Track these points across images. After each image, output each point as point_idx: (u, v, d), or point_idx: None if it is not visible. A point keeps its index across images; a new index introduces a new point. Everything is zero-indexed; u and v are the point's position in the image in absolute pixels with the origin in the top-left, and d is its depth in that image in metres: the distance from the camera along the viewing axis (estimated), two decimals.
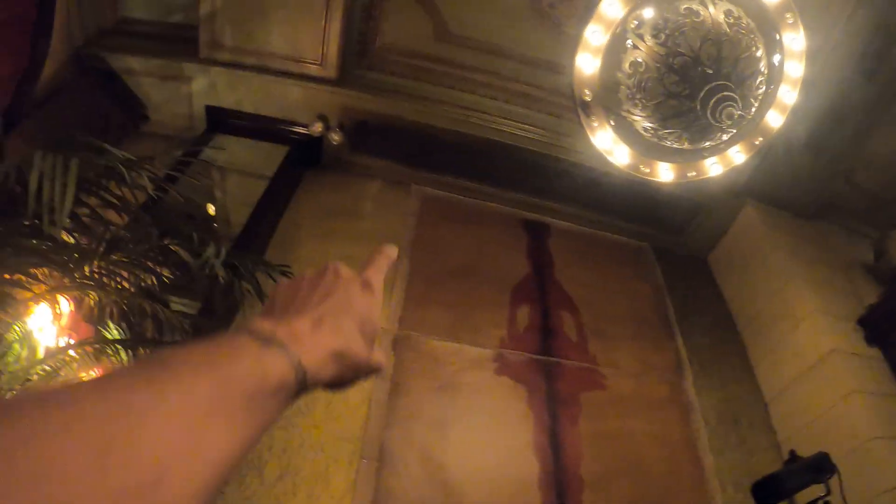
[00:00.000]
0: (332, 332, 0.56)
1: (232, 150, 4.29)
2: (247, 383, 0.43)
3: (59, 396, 0.34)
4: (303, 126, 4.25)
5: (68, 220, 1.91)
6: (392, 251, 0.73)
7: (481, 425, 3.16)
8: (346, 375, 0.57)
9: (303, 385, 0.49)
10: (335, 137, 4.22)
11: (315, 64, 3.99)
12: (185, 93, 4.18)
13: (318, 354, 0.52)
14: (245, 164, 4.50)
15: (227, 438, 0.40)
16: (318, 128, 4.19)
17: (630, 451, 3.29)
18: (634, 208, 4.65)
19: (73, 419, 0.32)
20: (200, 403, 0.39)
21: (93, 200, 2.16)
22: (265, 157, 4.22)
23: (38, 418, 0.32)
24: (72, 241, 2.20)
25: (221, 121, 4.25)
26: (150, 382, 0.38)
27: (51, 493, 0.29)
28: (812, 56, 2.63)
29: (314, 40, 3.90)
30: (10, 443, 0.30)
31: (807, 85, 2.49)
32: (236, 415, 0.41)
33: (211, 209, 4.54)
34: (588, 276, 4.31)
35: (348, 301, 0.61)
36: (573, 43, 2.35)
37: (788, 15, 2.31)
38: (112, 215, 2.32)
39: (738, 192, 4.49)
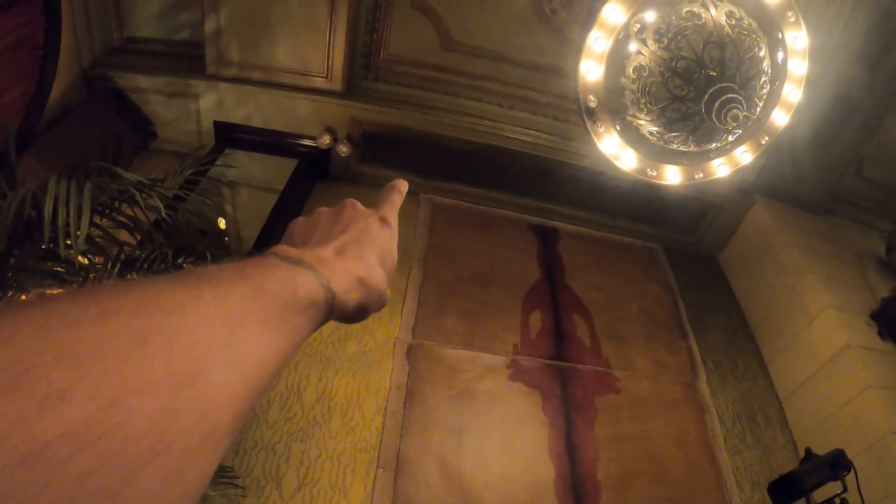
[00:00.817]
0: (355, 260, 0.56)
1: (242, 165, 4.32)
2: (279, 295, 0.42)
3: (93, 292, 0.32)
4: (311, 139, 4.28)
5: (84, 245, 1.94)
6: (403, 186, 0.74)
7: (497, 432, 3.17)
8: (368, 304, 0.56)
9: (331, 307, 0.49)
10: (343, 149, 4.25)
11: (321, 77, 4.02)
12: (193, 109, 4.22)
13: (345, 278, 0.52)
14: (255, 179, 4.53)
15: (261, 343, 0.39)
16: (326, 140, 4.22)
17: (646, 453, 3.29)
18: (643, 210, 4.65)
19: (110, 309, 0.31)
20: (235, 307, 0.38)
21: (105, 222, 2.19)
22: (275, 171, 4.25)
23: (74, 306, 0.30)
24: (87, 262, 2.23)
25: (230, 136, 4.28)
26: (186, 285, 0.37)
27: (90, 375, 0.27)
28: (815, 53, 2.64)
29: (320, 54, 3.93)
30: (46, 322, 0.28)
31: (811, 82, 2.50)
32: (270, 323, 0.40)
33: (222, 224, 4.57)
34: (599, 279, 4.31)
35: (368, 233, 0.61)
36: (577, 48, 2.36)
37: (790, 13, 2.32)
38: (125, 235, 2.35)
39: (746, 190, 4.49)
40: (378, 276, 0.58)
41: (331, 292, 0.49)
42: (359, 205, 0.65)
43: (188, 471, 0.31)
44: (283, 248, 0.50)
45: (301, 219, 0.64)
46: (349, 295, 0.52)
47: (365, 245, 0.59)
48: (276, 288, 0.43)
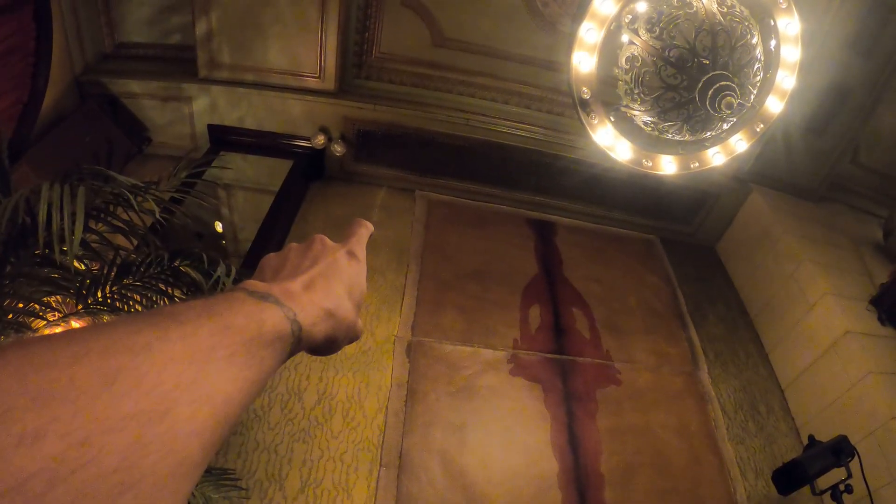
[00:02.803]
0: (323, 293, 0.57)
1: (237, 167, 4.32)
2: (245, 330, 0.44)
3: (65, 335, 0.34)
4: (305, 139, 4.27)
5: (80, 250, 1.93)
6: (369, 224, 0.75)
7: (499, 427, 3.16)
8: (336, 336, 0.58)
9: (298, 339, 0.50)
10: (338, 149, 4.24)
11: (314, 77, 4.02)
12: (186, 113, 4.22)
13: (312, 311, 0.53)
14: (250, 180, 4.53)
15: (228, 378, 0.40)
16: (320, 140, 4.21)
17: (649, 444, 3.29)
18: (640, 202, 4.65)
19: (81, 352, 0.33)
20: (201, 344, 0.39)
21: (101, 227, 2.18)
22: (270, 172, 4.24)
23: (47, 350, 0.32)
24: (83, 267, 2.22)
25: (224, 139, 4.27)
26: (153, 325, 0.38)
27: (62, 416, 0.29)
28: (808, 39, 2.63)
29: (311, 54, 3.93)
30: (20, 367, 0.30)
31: (805, 68, 2.49)
32: (236, 358, 0.41)
33: (219, 227, 4.56)
34: (597, 272, 4.31)
35: (336, 267, 0.62)
36: (569, 40, 2.35)
37: (782, 0, 2.31)
38: (121, 240, 2.34)
39: (743, 179, 4.49)
40: (346, 308, 0.60)
41: (297, 325, 0.50)
42: (327, 240, 0.67)
43: (159, 502, 0.32)
44: (251, 283, 0.52)
45: (272, 254, 0.65)
46: (316, 326, 0.53)
47: (333, 278, 0.61)
48: (242, 323, 0.44)
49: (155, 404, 0.33)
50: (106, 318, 2.25)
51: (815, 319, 3.78)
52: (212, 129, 4.26)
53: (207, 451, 0.37)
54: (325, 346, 0.57)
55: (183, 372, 0.36)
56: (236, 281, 2.27)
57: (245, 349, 0.43)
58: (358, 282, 0.65)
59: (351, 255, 0.66)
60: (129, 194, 2.02)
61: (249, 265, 3.51)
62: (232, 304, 0.46)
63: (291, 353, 0.50)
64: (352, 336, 0.62)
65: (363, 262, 0.68)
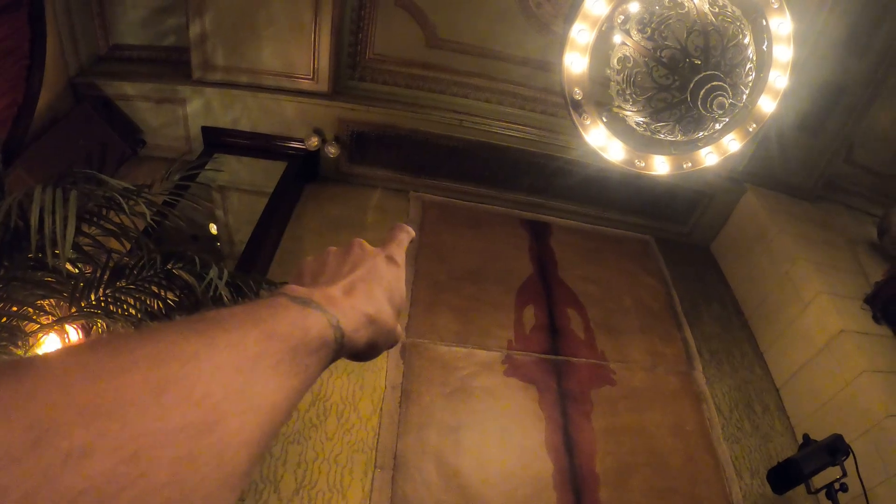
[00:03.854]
0: (364, 298, 0.57)
1: (231, 169, 4.31)
2: (290, 338, 0.43)
3: (111, 342, 0.34)
4: (299, 141, 4.27)
5: (72, 253, 1.93)
6: (410, 230, 0.75)
7: (494, 428, 3.17)
8: (377, 341, 0.58)
9: (341, 346, 0.50)
10: (332, 150, 4.24)
11: (307, 79, 4.02)
12: (180, 115, 4.21)
13: (354, 317, 0.53)
14: (245, 182, 4.52)
15: (274, 387, 0.40)
16: (314, 142, 4.21)
17: (644, 444, 3.29)
18: (634, 202, 4.65)
19: (127, 363, 0.32)
20: (248, 352, 0.39)
21: (93, 230, 2.18)
22: (264, 174, 4.24)
23: (93, 360, 0.31)
24: (76, 271, 2.22)
25: (218, 140, 4.27)
26: (199, 332, 0.38)
27: (110, 430, 0.28)
28: (801, 39, 2.64)
29: (305, 55, 3.93)
30: (66, 378, 0.29)
31: (798, 68, 2.50)
32: (281, 366, 0.41)
33: (213, 229, 4.56)
34: (592, 272, 4.31)
35: (376, 271, 0.62)
36: (561, 42, 2.36)
37: (773, 0, 2.32)
38: (114, 243, 2.34)
39: (737, 178, 4.50)
40: (387, 314, 0.59)
41: (340, 331, 0.50)
42: (366, 244, 0.67)
43: None
44: (292, 288, 0.51)
45: (310, 258, 0.65)
46: (358, 332, 0.53)
47: (373, 283, 0.60)
48: (287, 331, 0.44)
49: (204, 416, 0.33)
50: (100, 322, 2.25)
51: (810, 318, 3.79)
52: (206, 130, 4.25)
53: (255, 461, 0.36)
54: (366, 352, 0.57)
55: (231, 381, 0.36)
56: (229, 284, 2.27)
57: (291, 357, 0.42)
58: (398, 287, 0.65)
59: (391, 259, 0.67)
60: (120, 198, 2.02)
61: (244, 267, 3.50)
62: (276, 310, 0.46)
63: (333, 360, 0.50)
64: (391, 341, 0.61)
65: (402, 267, 0.68)
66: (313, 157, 4.34)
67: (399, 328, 0.63)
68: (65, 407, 0.28)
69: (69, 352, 0.32)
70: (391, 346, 0.63)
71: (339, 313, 0.51)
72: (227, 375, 0.36)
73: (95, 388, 0.29)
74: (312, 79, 4.02)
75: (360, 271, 0.60)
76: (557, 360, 3.59)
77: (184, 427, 0.31)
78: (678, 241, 4.92)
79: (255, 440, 0.36)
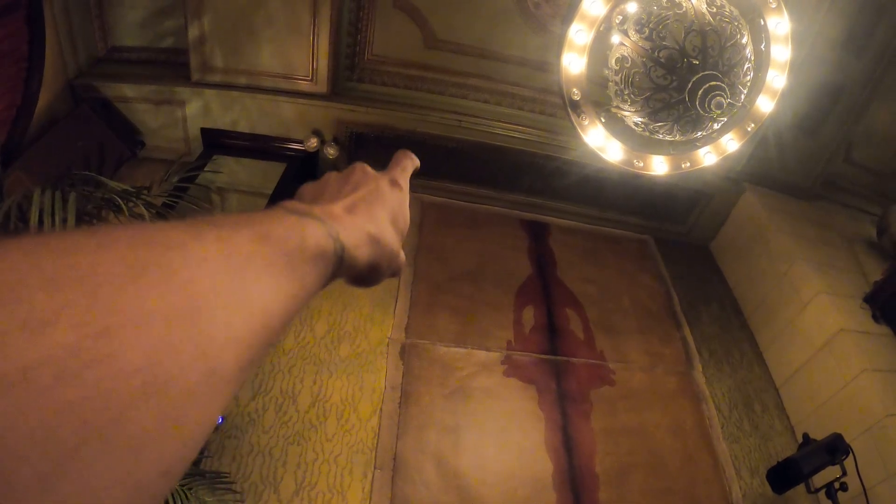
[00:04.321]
0: (366, 217, 0.55)
1: (230, 170, 4.31)
2: (286, 241, 0.41)
3: (91, 228, 0.31)
4: (298, 142, 4.27)
5: None
6: (415, 157, 0.73)
7: (493, 428, 3.17)
8: (379, 263, 0.55)
9: (341, 260, 0.47)
10: (331, 151, 4.24)
11: (306, 80, 4.02)
12: (179, 117, 4.21)
13: (355, 233, 0.51)
14: (244, 184, 4.52)
15: (266, 288, 0.36)
16: (313, 143, 4.22)
17: (643, 444, 3.30)
18: (633, 202, 4.66)
19: (106, 241, 0.29)
20: (240, 249, 0.36)
21: None
22: (263, 176, 4.24)
23: (68, 237, 0.28)
24: None
25: (217, 142, 4.27)
26: (188, 225, 0.35)
27: (78, 302, 0.25)
28: (799, 38, 2.64)
29: (304, 57, 3.93)
30: (36, 249, 0.26)
31: (796, 67, 2.50)
32: (275, 268, 0.38)
33: None
34: (591, 272, 4.31)
35: (379, 193, 0.60)
36: (559, 42, 2.36)
37: (771, 0, 2.32)
38: None
39: (735, 178, 4.50)
40: (390, 235, 0.57)
41: (340, 244, 0.47)
42: (368, 167, 0.64)
43: (186, 415, 0.29)
44: (291, 203, 0.49)
45: (309, 183, 0.62)
46: (359, 250, 0.51)
47: (375, 204, 0.58)
48: (282, 234, 0.41)
49: (186, 302, 0.29)
50: None
51: (809, 318, 3.79)
52: (205, 132, 4.26)
53: (243, 365, 0.33)
54: (367, 274, 0.54)
55: (218, 273, 0.33)
56: None
57: (286, 260, 0.40)
58: (402, 210, 0.62)
59: (394, 182, 0.64)
60: (119, 200, 2.02)
61: None
62: (272, 216, 0.43)
63: (333, 276, 0.48)
64: (394, 267, 0.59)
65: (406, 191, 0.66)
66: (312, 158, 4.35)
67: (402, 254, 0.60)
68: (29, 273, 0.25)
69: (44, 233, 0.29)
70: (394, 273, 0.60)
71: (340, 227, 0.48)
72: (214, 267, 0.33)
73: (66, 261, 0.26)
74: (311, 80, 4.03)
75: (362, 192, 0.58)
76: (557, 360, 3.59)
77: (163, 311, 0.28)
78: (677, 241, 4.92)
79: (244, 340, 0.33)
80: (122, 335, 0.26)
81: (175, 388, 0.27)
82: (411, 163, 0.71)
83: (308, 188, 0.60)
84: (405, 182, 0.66)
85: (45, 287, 0.25)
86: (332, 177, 0.62)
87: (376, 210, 0.57)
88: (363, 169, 0.63)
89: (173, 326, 0.28)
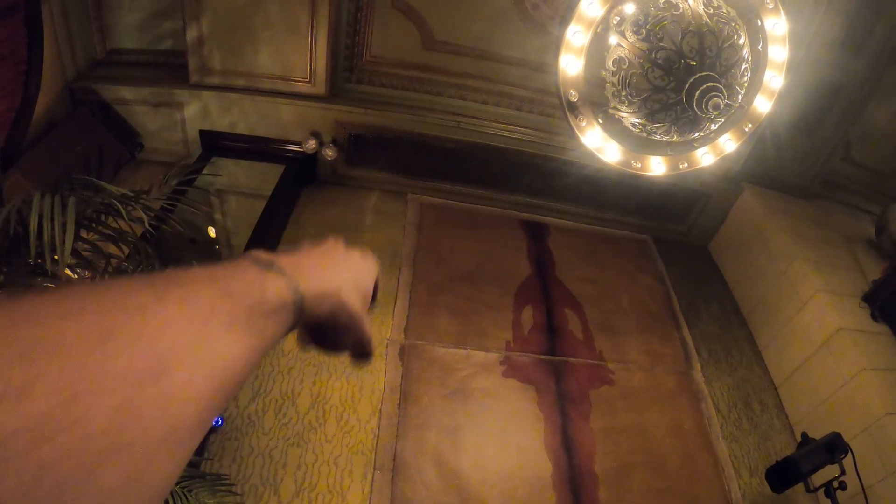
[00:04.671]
0: (329, 274, 0.56)
1: (229, 172, 4.32)
2: (247, 297, 0.43)
3: (60, 291, 0.33)
4: (297, 144, 4.28)
5: (71, 259, 1.94)
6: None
7: (493, 429, 3.17)
8: (338, 319, 0.56)
9: (300, 310, 0.49)
10: (329, 153, 4.25)
11: (304, 81, 4.02)
12: (178, 119, 4.21)
13: (316, 284, 0.52)
14: (243, 186, 4.53)
15: (227, 344, 0.39)
16: (311, 144, 4.22)
17: (643, 444, 3.30)
18: (632, 202, 4.66)
19: (74, 309, 0.31)
20: (201, 307, 0.38)
21: (92, 236, 2.19)
22: (262, 177, 4.25)
23: (39, 305, 0.31)
24: (75, 276, 2.22)
25: (216, 144, 4.28)
26: (151, 286, 0.37)
27: (49, 372, 0.27)
28: (797, 38, 2.64)
29: (302, 58, 3.93)
30: (10, 320, 0.29)
31: (794, 67, 2.50)
32: (236, 324, 0.40)
33: (212, 232, 4.57)
34: (590, 272, 4.32)
35: (347, 256, 0.63)
36: (557, 44, 2.36)
37: (769, 0, 2.32)
38: (112, 248, 2.35)
39: (734, 177, 4.51)
40: (352, 298, 0.58)
41: (300, 294, 0.49)
42: (342, 240, 0.67)
43: (150, 469, 0.31)
44: (256, 253, 0.50)
45: (285, 248, 0.64)
46: (319, 300, 0.52)
47: (342, 265, 0.60)
48: (243, 290, 0.43)
49: (149, 365, 0.32)
50: None
51: (808, 317, 3.80)
52: (203, 134, 4.26)
53: (204, 418, 0.36)
54: (330, 330, 0.57)
55: (180, 334, 0.35)
56: None
57: (246, 316, 0.42)
58: (366, 277, 0.65)
59: (365, 253, 0.68)
60: (119, 204, 2.03)
61: None
62: (235, 270, 0.45)
63: (294, 325, 0.50)
64: (358, 335, 0.60)
65: (374, 264, 0.69)
66: (311, 159, 4.35)
67: (369, 330, 0.62)
68: (5, 347, 0.27)
69: (14, 297, 0.31)
70: (360, 346, 0.62)
71: (300, 277, 0.50)
72: (176, 328, 0.35)
73: (39, 332, 0.29)
74: (309, 82, 4.03)
75: (329, 255, 0.61)
76: (556, 360, 3.59)
77: (126, 374, 0.30)
78: (676, 241, 4.93)
79: (205, 395, 0.35)
80: (89, 400, 0.28)
81: (139, 446, 0.30)
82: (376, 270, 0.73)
83: (282, 250, 0.62)
84: (374, 261, 0.70)
85: (20, 360, 0.27)
86: (304, 242, 0.64)
87: (341, 270, 0.59)
88: (335, 238, 0.66)
89: (137, 388, 0.31)
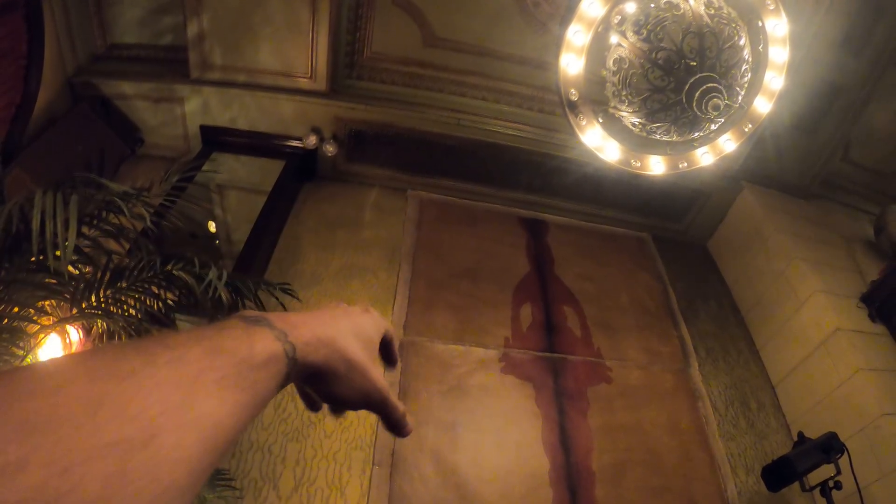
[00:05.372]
0: (322, 323, 0.56)
1: (229, 168, 4.32)
2: (235, 353, 0.43)
3: (51, 363, 0.35)
4: (297, 140, 4.28)
5: (73, 255, 1.95)
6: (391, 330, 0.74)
7: (491, 425, 3.19)
8: (336, 369, 0.56)
9: (293, 360, 0.49)
10: (329, 149, 4.25)
11: (305, 77, 4.02)
12: (178, 114, 4.22)
13: (308, 333, 0.52)
14: (243, 181, 4.53)
15: (218, 403, 0.40)
16: (312, 140, 4.22)
17: (640, 441, 3.32)
18: (631, 200, 4.67)
19: (65, 380, 0.33)
20: (189, 368, 0.39)
21: (93, 232, 2.20)
22: (262, 173, 4.25)
23: (32, 379, 0.32)
24: (76, 272, 2.23)
25: (216, 139, 4.28)
26: (140, 350, 0.38)
27: (44, 445, 0.29)
28: (798, 39, 2.65)
29: (303, 54, 3.93)
30: (4, 397, 0.30)
31: (794, 68, 2.51)
32: (226, 381, 0.41)
33: (212, 227, 4.57)
34: (589, 269, 4.33)
35: (346, 311, 0.62)
36: (557, 43, 2.37)
37: (769, 1, 2.32)
38: (113, 244, 2.36)
39: (733, 176, 4.51)
40: (349, 344, 0.58)
41: (290, 344, 0.49)
42: (343, 303, 0.66)
43: None
44: (245, 311, 0.51)
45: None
46: (310, 347, 0.52)
47: (339, 317, 0.60)
48: (231, 346, 0.44)
49: (139, 431, 0.33)
50: (101, 322, 2.27)
51: (806, 316, 3.81)
52: (204, 129, 4.26)
53: (196, 477, 0.36)
54: (331, 379, 0.56)
55: (169, 397, 0.36)
56: (228, 285, 2.30)
57: (236, 372, 0.42)
58: (369, 327, 0.64)
59: (367, 309, 0.66)
60: (119, 202, 2.04)
61: (243, 265, 3.53)
62: (223, 329, 0.46)
63: (288, 376, 0.50)
64: (364, 385, 0.59)
65: (381, 320, 0.67)
66: (311, 155, 4.36)
67: (377, 376, 0.61)
68: (3, 423, 0.29)
69: (8, 373, 0.33)
70: (371, 397, 0.60)
71: (289, 328, 0.50)
72: (165, 391, 0.36)
73: (32, 405, 0.30)
74: (310, 78, 4.03)
75: (327, 309, 0.61)
76: (554, 357, 3.61)
77: (117, 442, 0.32)
78: (675, 239, 4.94)
79: (195, 456, 0.36)
80: (82, 470, 0.29)
81: None
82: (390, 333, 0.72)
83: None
84: (382, 323, 0.68)
85: (16, 436, 0.29)
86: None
87: (338, 320, 0.59)
88: (339, 301, 0.66)
89: (128, 455, 0.32)
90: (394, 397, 0.64)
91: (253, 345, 0.45)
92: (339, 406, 0.62)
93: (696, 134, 2.42)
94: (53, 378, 0.33)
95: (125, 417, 0.33)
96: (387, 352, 0.71)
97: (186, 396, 0.37)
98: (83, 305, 2.24)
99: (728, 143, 2.58)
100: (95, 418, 0.32)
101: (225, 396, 0.40)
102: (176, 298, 2.38)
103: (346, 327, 0.59)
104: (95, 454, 0.30)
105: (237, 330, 0.46)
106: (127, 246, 2.45)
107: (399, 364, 3.04)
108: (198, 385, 0.39)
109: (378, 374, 0.61)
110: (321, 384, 0.56)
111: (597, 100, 2.52)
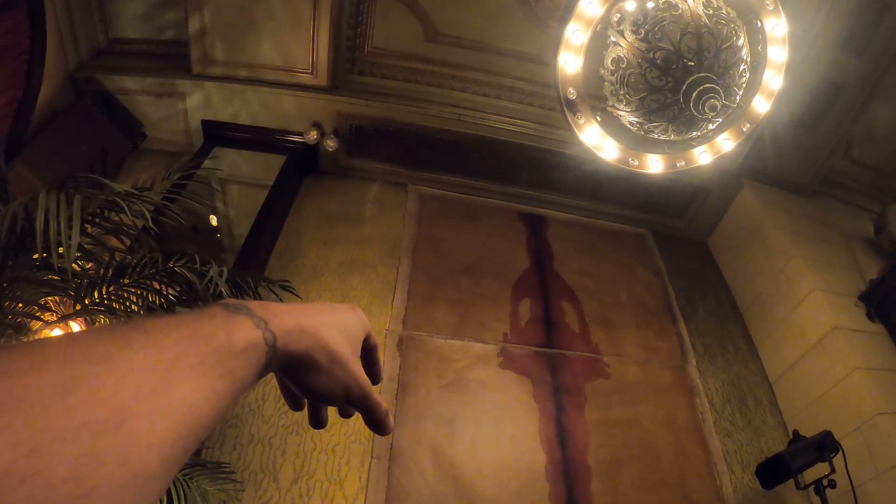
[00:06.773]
0: (304, 314, 0.56)
1: (231, 162, 4.35)
2: (213, 339, 0.43)
3: (27, 345, 0.34)
4: (298, 135, 4.30)
5: (78, 254, 1.98)
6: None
7: (489, 420, 3.21)
8: (318, 360, 0.55)
9: (273, 349, 0.49)
10: (331, 144, 4.27)
11: (306, 73, 4.04)
12: (180, 109, 4.23)
13: (289, 323, 0.52)
14: (245, 175, 4.55)
15: (193, 389, 0.39)
16: (313, 135, 4.24)
17: (636, 437, 3.34)
18: (632, 196, 4.67)
19: (38, 361, 0.32)
20: (165, 353, 0.39)
21: (95, 230, 2.23)
22: (264, 168, 4.27)
23: (6, 360, 0.32)
24: (79, 269, 2.26)
25: (218, 134, 4.30)
26: (116, 335, 0.38)
27: (13, 425, 0.29)
28: (800, 37, 2.65)
29: (304, 49, 3.95)
30: None
31: (795, 67, 2.51)
32: (203, 368, 0.41)
33: (214, 221, 4.60)
34: (588, 265, 4.34)
35: (329, 306, 0.62)
36: (556, 42, 2.38)
37: (769, 1, 2.33)
38: (114, 240, 2.38)
39: (734, 174, 4.51)
40: (331, 335, 0.57)
41: (270, 332, 0.49)
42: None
43: None
44: (227, 300, 0.51)
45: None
46: (291, 336, 0.52)
47: (321, 309, 0.60)
48: (210, 332, 0.44)
49: (110, 414, 0.33)
50: (103, 318, 2.30)
51: (804, 314, 3.82)
52: (206, 124, 4.28)
53: (169, 462, 0.36)
54: (311, 371, 0.55)
55: (143, 381, 0.36)
56: (228, 281, 2.32)
57: (214, 359, 0.42)
58: (352, 323, 0.63)
59: (352, 307, 0.66)
60: (121, 202, 2.06)
61: (244, 260, 3.55)
62: (203, 316, 0.46)
63: (268, 365, 0.49)
64: (345, 379, 0.58)
65: (363, 319, 0.67)
66: (312, 150, 4.38)
67: (358, 371, 0.60)
68: None
69: None
70: (351, 389, 0.59)
71: (270, 316, 0.50)
72: (139, 375, 0.36)
73: (3, 386, 0.30)
74: (311, 73, 4.05)
75: (311, 302, 0.60)
76: (552, 353, 3.63)
77: (87, 424, 0.31)
78: (674, 236, 4.94)
79: (168, 441, 0.36)
80: (50, 451, 0.29)
81: (99, 493, 0.31)
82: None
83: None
84: (361, 317, 0.67)
85: None
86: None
87: (319, 311, 0.59)
88: (325, 300, 0.66)
89: (98, 438, 0.32)
90: (375, 394, 0.62)
91: (232, 332, 0.45)
92: (319, 400, 0.61)
93: (694, 133, 2.43)
94: (26, 359, 0.33)
95: (97, 400, 0.33)
96: (369, 359, 0.69)
97: (161, 381, 0.37)
98: (86, 302, 2.26)
99: (726, 143, 2.59)
100: (66, 400, 0.31)
101: (201, 382, 0.40)
102: (177, 294, 2.40)
103: (330, 320, 0.59)
104: (65, 435, 0.30)
105: (217, 318, 0.46)
106: (128, 242, 2.47)
107: (398, 358, 3.08)
108: (173, 370, 0.39)
109: (360, 370, 0.61)
110: (302, 375, 0.55)
111: (595, 98, 2.53)
